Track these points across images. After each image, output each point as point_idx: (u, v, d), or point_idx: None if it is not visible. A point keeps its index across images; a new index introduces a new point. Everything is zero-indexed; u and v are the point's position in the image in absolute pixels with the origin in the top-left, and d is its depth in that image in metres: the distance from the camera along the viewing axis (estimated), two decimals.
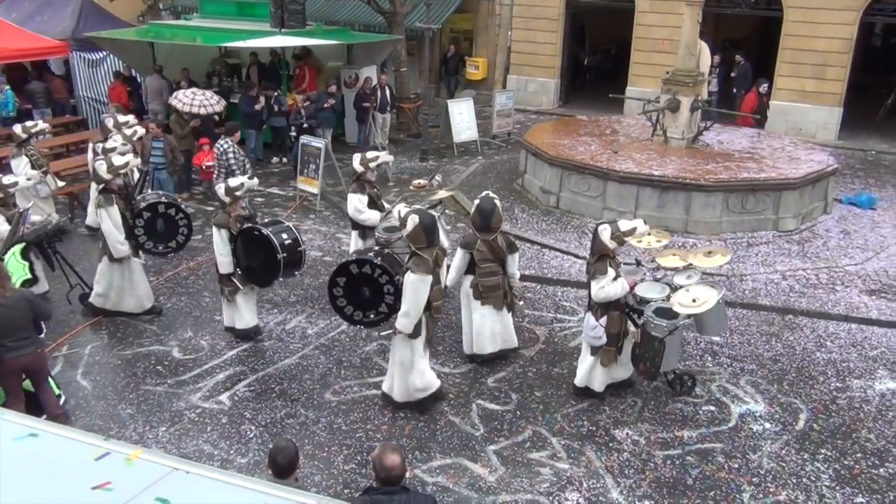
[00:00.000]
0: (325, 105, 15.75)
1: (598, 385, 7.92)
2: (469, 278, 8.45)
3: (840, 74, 18.60)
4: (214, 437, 7.34)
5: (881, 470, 7.03)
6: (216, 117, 15.17)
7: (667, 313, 7.63)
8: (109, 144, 10.50)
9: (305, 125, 15.11)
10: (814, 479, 6.88)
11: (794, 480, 6.87)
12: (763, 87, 17.23)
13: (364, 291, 7.55)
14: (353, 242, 9.92)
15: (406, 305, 7.16)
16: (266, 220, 9.33)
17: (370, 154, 9.79)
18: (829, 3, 18.20)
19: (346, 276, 7.58)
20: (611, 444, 7.31)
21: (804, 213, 12.62)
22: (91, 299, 9.60)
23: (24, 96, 17.26)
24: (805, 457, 7.18)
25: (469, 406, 7.89)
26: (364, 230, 9.71)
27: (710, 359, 8.86)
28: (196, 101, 14.70)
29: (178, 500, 2.99)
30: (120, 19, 20.23)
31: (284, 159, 16.20)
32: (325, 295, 10.08)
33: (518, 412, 7.79)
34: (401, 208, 7.62)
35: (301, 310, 9.86)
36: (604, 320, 7.63)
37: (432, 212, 9.56)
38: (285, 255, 8.50)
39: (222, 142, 12.26)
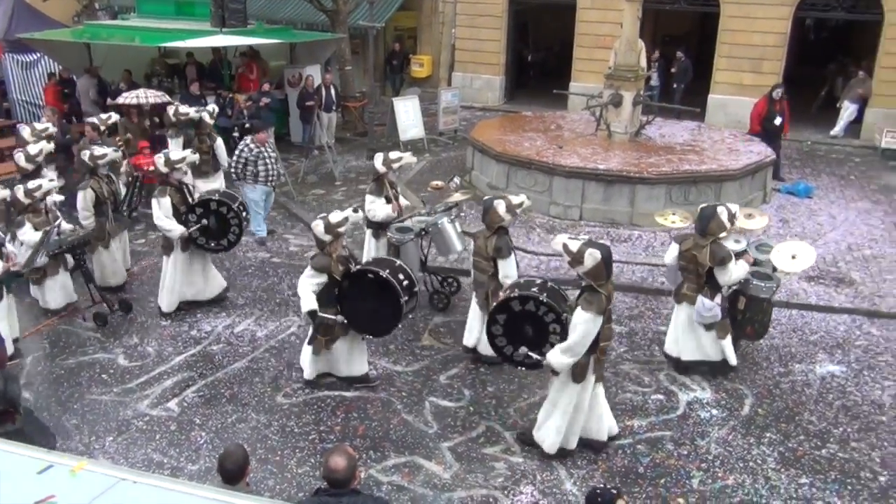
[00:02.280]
0: (261, 104, 15.57)
1: (733, 358, 8.24)
2: None
3: (776, 68, 19.11)
4: (163, 444, 7.20)
5: (823, 451, 7.25)
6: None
7: (762, 277, 8.25)
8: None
9: (248, 125, 14.91)
10: (760, 462, 7.06)
11: (741, 464, 7.04)
12: (777, 93, 14.88)
13: (526, 330, 6.81)
14: (367, 241, 9.85)
15: (569, 343, 6.47)
16: (373, 259, 8.35)
17: (393, 155, 9.68)
18: None
19: (506, 312, 6.86)
20: None
21: (744, 203, 12.93)
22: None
23: None
24: (751, 441, 7.37)
25: (422, 404, 7.89)
26: (377, 230, 9.66)
27: (657, 348, 9.01)
28: (140, 92, 14.65)
29: None
30: (54, 20, 19.64)
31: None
32: (275, 297, 10.11)
33: (471, 408, 7.82)
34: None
35: (250, 312, 9.73)
36: (718, 298, 7.99)
37: (450, 215, 9.61)
38: (406, 298, 7.54)
39: (242, 143, 11.78)
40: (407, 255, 9.39)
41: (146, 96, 14.54)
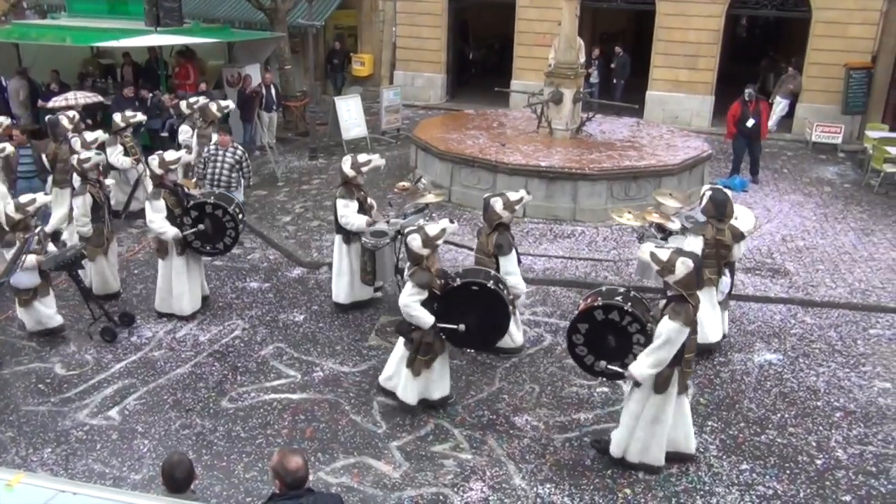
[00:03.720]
0: None
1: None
2: None
3: (710, 64, 19.59)
4: (105, 454, 7.03)
5: (762, 437, 7.46)
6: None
7: None
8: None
9: (175, 126, 14.64)
10: (702, 450, 7.22)
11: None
12: (748, 94, 14.93)
13: (609, 340, 6.69)
14: (337, 247, 9.63)
15: (655, 354, 6.31)
16: (464, 269, 7.96)
17: (362, 158, 9.38)
18: None
19: (588, 322, 6.70)
20: (511, 432, 7.45)
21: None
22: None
23: None
24: (694, 430, 7.53)
25: (370, 404, 7.86)
26: (348, 235, 9.44)
27: None
28: (70, 94, 14.30)
29: None
30: None
31: None
32: (217, 300, 9.96)
33: (419, 406, 7.83)
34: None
35: (192, 316, 9.55)
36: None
37: (424, 216, 9.43)
38: (511, 308, 7.44)
39: (207, 148, 11.60)
40: (382, 260, 9.28)
41: (76, 98, 14.16)
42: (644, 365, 6.35)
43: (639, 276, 9.72)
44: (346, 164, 9.32)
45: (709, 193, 8.46)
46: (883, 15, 17.93)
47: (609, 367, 6.66)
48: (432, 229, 7.24)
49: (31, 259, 8.48)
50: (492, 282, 7.29)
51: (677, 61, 19.72)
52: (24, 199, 8.72)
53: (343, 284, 9.63)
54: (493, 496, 6.59)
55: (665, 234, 8.95)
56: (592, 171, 12.48)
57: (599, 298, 6.74)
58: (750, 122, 14.85)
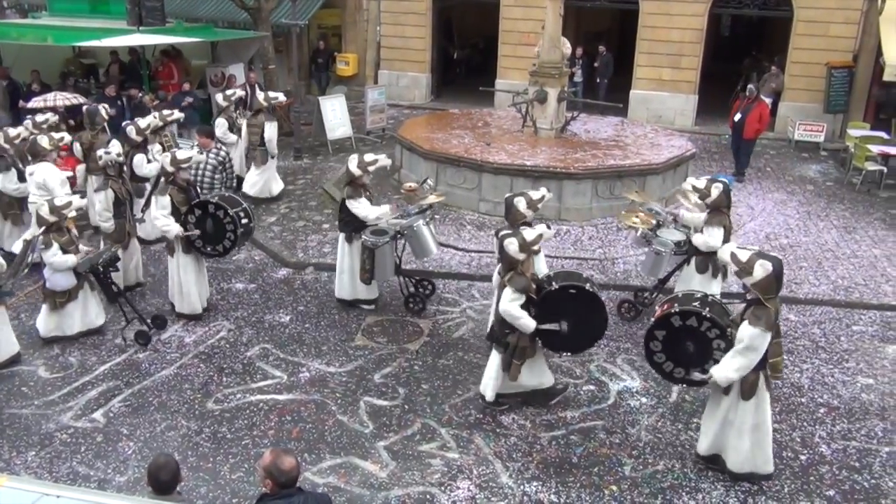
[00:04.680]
0: (185, 104, 15.22)
1: None
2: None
3: (694, 63, 19.69)
4: (89, 457, 6.98)
5: None
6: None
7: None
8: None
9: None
10: (688, 447, 7.26)
11: (671, 450, 7.23)
12: (749, 90, 15.55)
13: (687, 346, 6.60)
14: (340, 246, 9.68)
15: (738, 358, 6.24)
16: (555, 272, 7.81)
17: (369, 157, 9.44)
18: None
19: (666, 329, 6.63)
20: (498, 430, 7.46)
21: (667, 196, 13.28)
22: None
23: None
24: (679, 427, 7.58)
25: (357, 404, 7.85)
26: (350, 234, 9.48)
27: None
28: (50, 96, 14.21)
29: None
30: None
31: None
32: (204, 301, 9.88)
33: (406, 406, 7.82)
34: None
35: (176, 318, 9.50)
36: None
37: (425, 217, 9.48)
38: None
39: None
40: (383, 258, 9.28)
41: (55, 99, 14.05)
42: (728, 369, 6.28)
43: (646, 273, 9.81)
44: (353, 163, 9.35)
45: (720, 186, 8.68)
46: (863, 14, 18.09)
47: (689, 374, 6.62)
48: (529, 234, 7.21)
49: (71, 258, 8.44)
50: (588, 284, 7.37)
51: (661, 60, 19.81)
52: (59, 201, 8.55)
53: (345, 281, 9.73)
54: (479, 495, 6.59)
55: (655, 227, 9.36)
56: (577, 170, 12.51)
57: (676, 304, 6.66)
58: (737, 117, 15.15)
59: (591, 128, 15.19)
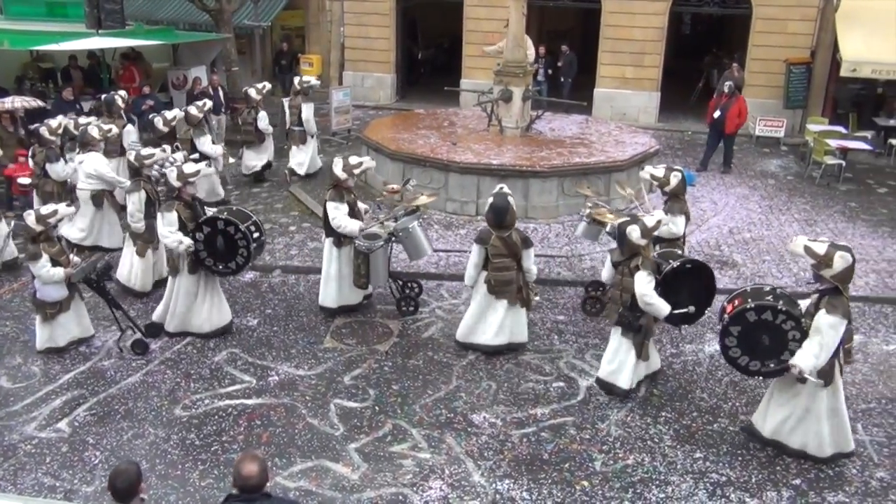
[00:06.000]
0: (144, 107, 15.02)
1: None
2: (485, 273, 8.47)
3: (655, 61, 19.90)
4: (55, 467, 6.85)
5: (714, 425, 7.61)
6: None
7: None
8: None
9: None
10: (657, 440, 7.34)
11: (640, 444, 7.30)
12: (727, 87, 15.94)
13: (763, 340, 6.75)
14: (327, 251, 9.45)
15: (818, 347, 6.44)
16: (660, 252, 8.43)
17: (353, 160, 9.25)
18: None
19: (741, 324, 6.79)
20: (469, 430, 7.47)
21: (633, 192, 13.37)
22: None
23: None
24: (648, 421, 7.65)
25: (327, 406, 7.81)
26: (339, 238, 9.27)
27: (556, 337, 9.23)
28: (8, 98, 13.92)
29: None
30: None
31: None
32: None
33: (377, 407, 7.80)
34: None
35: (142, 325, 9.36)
36: None
37: (417, 218, 9.46)
38: None
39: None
40: (377, 262, 9.17)
41: (12, 102, 13.78)
42: (811, 357, 6.46)
43: (583, 237, 10.22)
44: (338, 166, 9.18)
45: (678, 174, 9.03)
46: (820, 11, 18.44)
47: (765, 366, 6.82)
48: (650, 221, 7.76)
49: (59, 271, 8.24)
50: (690, 257, 8.13)
51: (623, 59, 19.98)
52: (44, 210, 8.37)
53: (331, 289, 9.46)
54: (452, 494, 6.60)
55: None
56: (543, 168, 12.57)
57: (750, 300, 6.82)
58: (716, 114, 15.53)
59: (557, 126, 15.28)
